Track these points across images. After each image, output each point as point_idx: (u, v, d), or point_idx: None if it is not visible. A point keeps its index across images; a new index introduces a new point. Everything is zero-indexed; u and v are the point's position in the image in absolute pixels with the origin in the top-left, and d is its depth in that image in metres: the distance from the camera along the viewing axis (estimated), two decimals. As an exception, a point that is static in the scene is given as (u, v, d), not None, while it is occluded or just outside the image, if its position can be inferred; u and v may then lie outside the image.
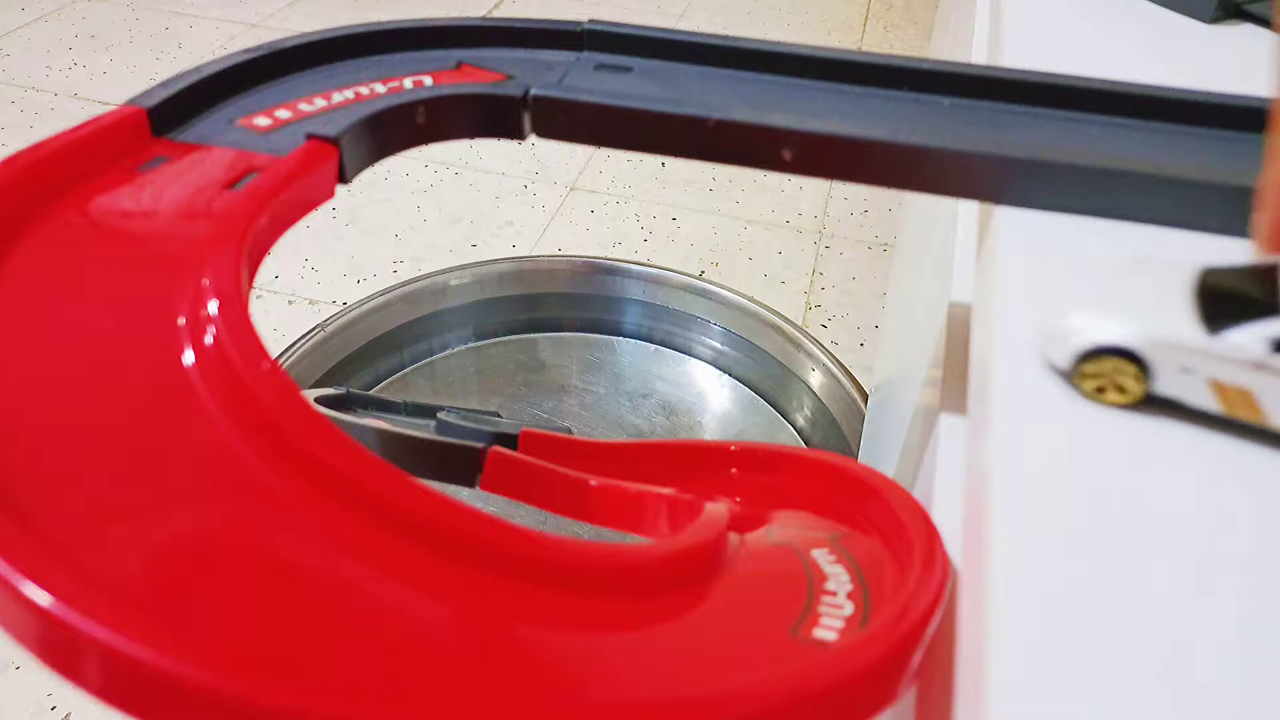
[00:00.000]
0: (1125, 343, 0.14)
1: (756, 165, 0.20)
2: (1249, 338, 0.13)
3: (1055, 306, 0.16)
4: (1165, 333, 0.14)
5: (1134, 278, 0.15)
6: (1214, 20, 0.26)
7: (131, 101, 0.20)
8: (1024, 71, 0.21)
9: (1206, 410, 0.14)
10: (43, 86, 1.15)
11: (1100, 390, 0.14)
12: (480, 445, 0.28)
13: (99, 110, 0.38)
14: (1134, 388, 0.14)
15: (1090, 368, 0.14)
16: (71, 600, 0.11)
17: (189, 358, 0.14)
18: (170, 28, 1.30)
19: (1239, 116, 0.20)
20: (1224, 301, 0.14)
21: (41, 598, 0.11)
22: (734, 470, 0.25)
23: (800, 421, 0.70)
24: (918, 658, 0.14)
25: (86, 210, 0.17)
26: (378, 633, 0.12)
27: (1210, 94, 0.20)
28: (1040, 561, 0.13)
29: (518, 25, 0.24)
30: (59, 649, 0.11)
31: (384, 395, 0.43)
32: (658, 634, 0.14)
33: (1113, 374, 0.14)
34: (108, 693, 0.11)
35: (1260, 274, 0.14)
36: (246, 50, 0.22)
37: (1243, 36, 0.24)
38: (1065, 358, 0.15)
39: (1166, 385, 0.14)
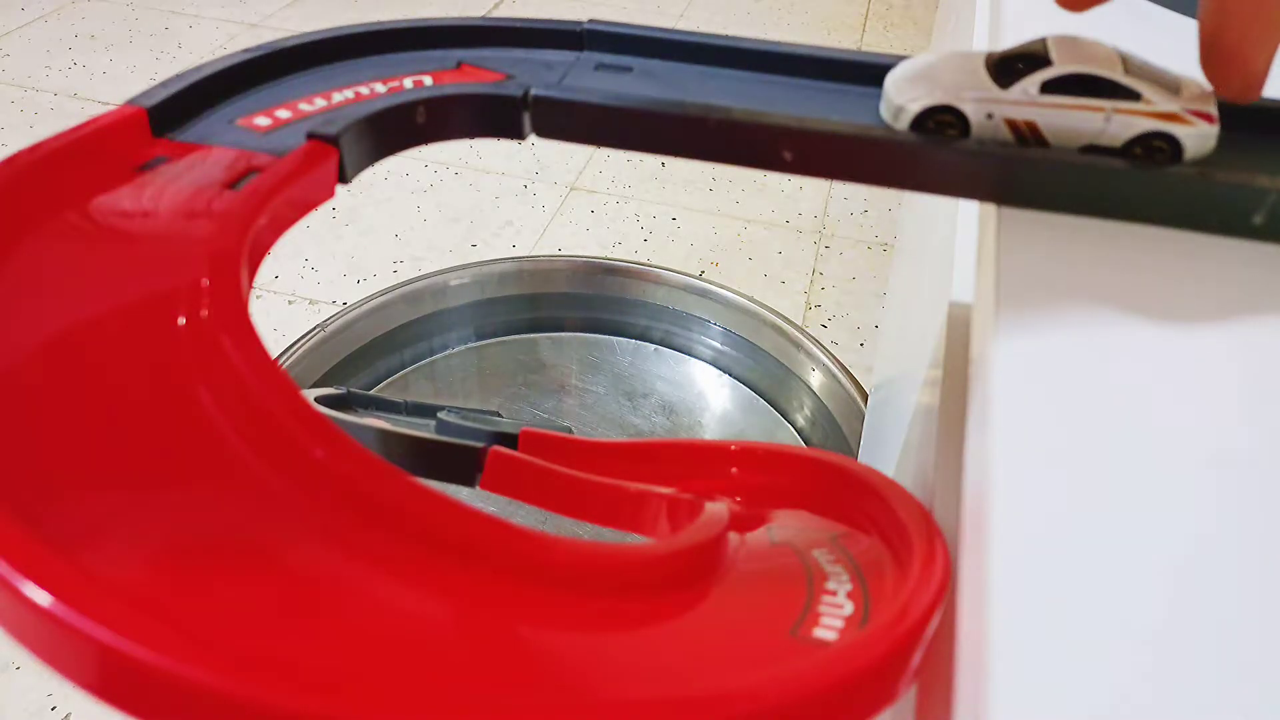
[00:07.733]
0: (948, 100, 0.19)
1: (756, 165, 0.20)
2: (1027, 84, 0.18)
3: (1055, 304, 0.16)
4: (974, 90, 0.19)
5: (942, 64, 0.20)
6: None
7: (131, 101, 0.19)
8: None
9: (1005, 141, 0.19)
10: (42, 86, 1.15)
11: None
12: (480, 445, 0.28)
13: (99, 110, 0.38)
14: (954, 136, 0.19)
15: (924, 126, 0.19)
16: (71, 600, 0.10)
17: (189, 358, 0.14)
18: (170, 28, 1.30)
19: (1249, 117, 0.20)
20: (1007, 66, 0.19)
21: (41, 597, 0.11)
22: (734, 470, 0.25)
23: (800, 421, 0.70)
24: (918, 657, 0.14)
25: (86, 210, 0.17)
26: (378, 633, 0.12)
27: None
28: (1041, 561, 0.13)
29: (518, 25, 0.24)
30: (59, 649, 0.11)
31: (384, 395, 0.43)
32: (659, 633, 0.14)
33: (939, 129, 0.19)
34: (108, 693, 0.11)
35: (1032, 47, 0.19)
36: (247, 50, 0.22)
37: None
38: (906, 122, 0.19)
39: (978, 130, 0.19)
